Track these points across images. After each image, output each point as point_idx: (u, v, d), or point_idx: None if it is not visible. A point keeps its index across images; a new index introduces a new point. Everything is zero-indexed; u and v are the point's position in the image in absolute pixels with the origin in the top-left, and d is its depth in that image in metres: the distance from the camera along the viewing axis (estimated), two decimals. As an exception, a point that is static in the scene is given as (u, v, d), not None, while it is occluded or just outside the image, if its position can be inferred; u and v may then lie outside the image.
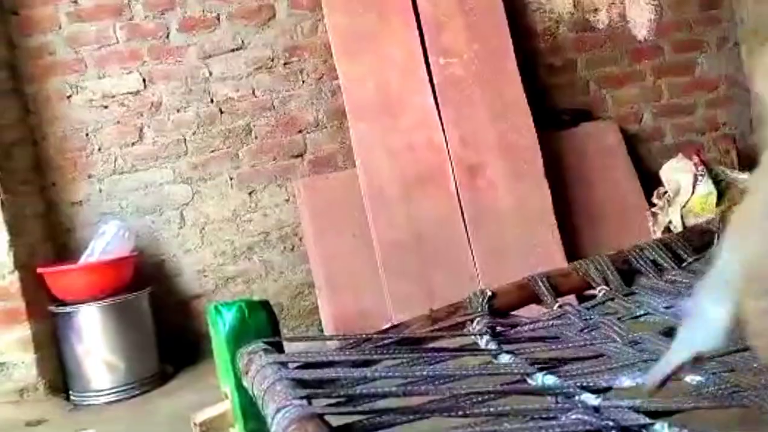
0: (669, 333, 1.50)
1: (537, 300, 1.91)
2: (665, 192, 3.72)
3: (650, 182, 3.77)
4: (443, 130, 3.46)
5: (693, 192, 3.63)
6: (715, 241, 2.04)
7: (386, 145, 3.41)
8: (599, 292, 1.92)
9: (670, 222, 3.61)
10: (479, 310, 1.79)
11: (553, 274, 1.99)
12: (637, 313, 1.74)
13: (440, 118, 3.47)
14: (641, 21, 4.02)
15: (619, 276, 1.94)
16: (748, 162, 3.81)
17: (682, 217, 3.60)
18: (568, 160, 3.74)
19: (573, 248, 3.51)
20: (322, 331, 3.35)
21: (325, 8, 3.53)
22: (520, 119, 3.54)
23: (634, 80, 3.98)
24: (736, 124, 4.01)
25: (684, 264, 1.98)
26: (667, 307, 1.74)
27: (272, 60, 3.64)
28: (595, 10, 3.97)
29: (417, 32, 3.52)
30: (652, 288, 1.89)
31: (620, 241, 3.02)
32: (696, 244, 2.03)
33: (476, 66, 3.58)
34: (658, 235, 3.58)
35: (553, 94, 3.90)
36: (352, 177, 3.43)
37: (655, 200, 3.72)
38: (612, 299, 1.85)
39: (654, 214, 3.68)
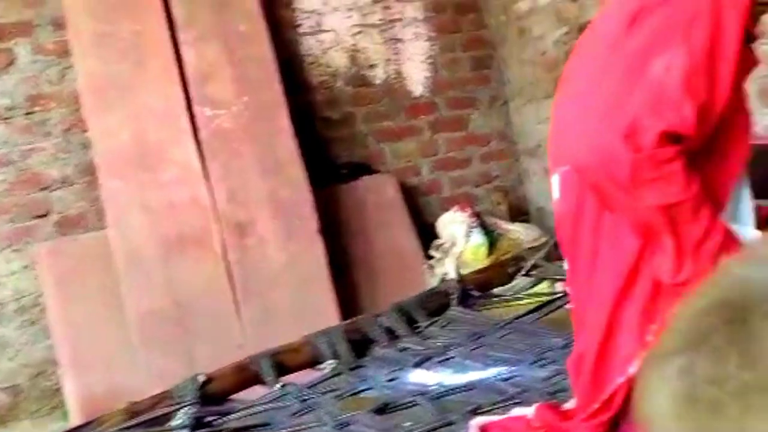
0: (382, 410, 1.37)
1: (260, 380, 1.74)
2: (441, 244, 3.74)
3: (429, 235, 3.77)
4: (208, 185, 3.26)
5: (466, 243, 3.67)
6: (452, 303, 1.98)
7: (143, 203, 3.14)
8: (326, 367, 1.78)
9: (445, 273, 3.61)
10: (189, 398, 1.59)
11: (282, 350, 1.83)
12: (359, 389, 1.62)
13: (205, 173, 3.27)
14: (417, 78, 4.08)
15: (350, 347, 1.82)
16: (517, 213, 3.93)
17: (457, 267, 3.62)
18: (346, 214, 3.66)
19: (351, 305, 3.41)
20: (66, 414, 2.97)
21: (75, 54, 3.24)
22: (293, 174, 3.42)
23: (411, 134, 4.01)
24: (507, 177, 4.15)
25: (419, 329, 1.90)
26: (390, 380, 1.63)
27: (11, 110, 3.27)
28: (372, 65, 3.98)
29: (179, 81, 3.32)
30: (382, 358, 1.78)
31: (399, 294, 2.95)
32: (432, 307, 1.96)
33: (246, 118, 3.42)
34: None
35: (332, 148, 3.83)
36: (104, 239, 3.12)
37: (432, 252, 3.72)
38: (339, 374, 1.72)
39: (431, 267, 3.67)
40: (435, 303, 1.97)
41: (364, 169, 3.81)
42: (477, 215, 3.74)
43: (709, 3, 1.16)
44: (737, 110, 1.22)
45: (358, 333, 1.85)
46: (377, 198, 3.73)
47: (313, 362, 1.83)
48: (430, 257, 3.70)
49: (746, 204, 1.27)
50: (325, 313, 3.26)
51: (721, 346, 0.71)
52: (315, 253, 3.33)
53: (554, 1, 3.88)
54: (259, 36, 3.53)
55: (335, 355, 1.78)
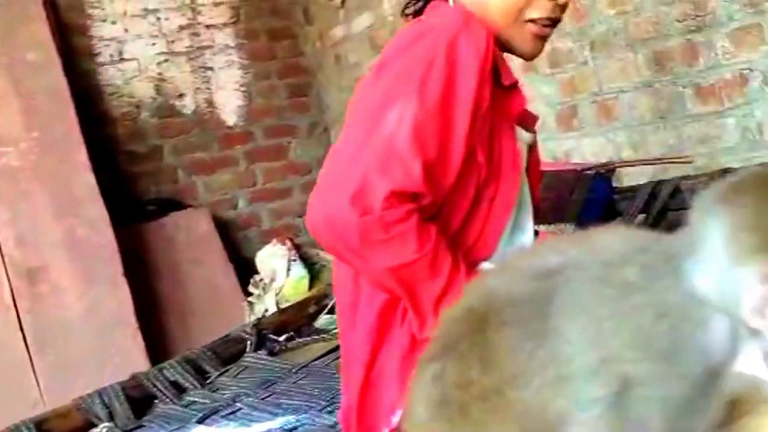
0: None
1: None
2: (261, 279, 3.61)
3: (248, 270, 3.63)
4: (-8, 230, 2.94)
5: (287, 277, 3.56)
6: (248, 348, 1.85)
7: None
8: (101, 430, 1.60)
9: (266, 310, 3.47)
10: None
11: (48, 416, 1.62)
12: (133, 454, 1.46)
13: (-12, 217, 2.95)
14: (230, 107, 3.94)
15: (129, 406, 1.64)
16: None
17: (277, 303, 3.49)
18: (155, 253, 3.44)
19: (162, 350, 3.18)
20: None
21: None
22: (92, 213, 3.16)
23: (226, 166, 3.86)
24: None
25: (209, 380, 1.75)
26: (170, 440, 1.48)
27: None
28: (180, 95, 3.80)
29: (-47, 117, 2.99)
30: (165, 415, 1.63)
31: (216, 335, 2.79)
32: (225, 355, 1.83)
33: (36, 155, 3.14)
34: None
35: (137, 184, 3.61)
36: None
37: (251, 289, 3.58)
38: (113, 438, 1.54)
39: (251, 304, 3.52)
40: (228, 351, 1.83)
41: (174, 204, 3.61)
42: (297, 247, 3.64)
43: (445, 51, 1.11)
44: (499, 156, 1.18)
45: (139, 390, 1.69)
46: (189, 234, 3.54)
47: (86, 426, 1.63)
48: (249, 294, 3.55)
49: (526, 237, 1.26)
50: (133, 362, 3.01)
51: (465, 352, 0.77)
52: (119, 298, 3.09)
53: (368, 29, 3.90)
54: (50, 65, 3.27)
55: (110, 417, 1.60)
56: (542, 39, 1.26)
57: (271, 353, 1.80)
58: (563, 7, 1.24)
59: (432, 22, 1.20)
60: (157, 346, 3.15)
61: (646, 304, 0.70)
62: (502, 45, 1.24)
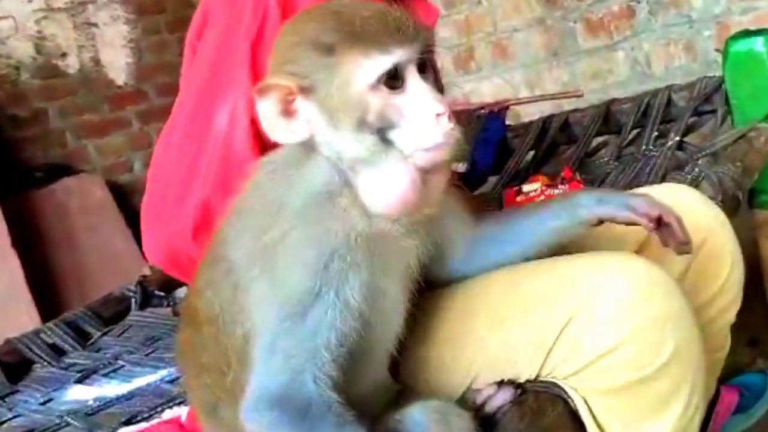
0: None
1: None
2: (163, 244, 3.48)
3: (148, 235, 3.48)
4: None
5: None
6: (132, 306, 1.76)
7: None
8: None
9: (151, 267, 3.36)
10: None
11: None
12: (5, 418, 1.36)
13: None
14: (118, 65, 3.74)
15: (3, 372, 1.53)
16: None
17: (181, 267, 3.38)
18: (46, 222, 3.26)
19: (61, 323, 3.04)
20: None
21: None
22: (-28, 183, 2.97)
23: (118, 128, 3.68)
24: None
25: (91, 341, 1.66)
26: (43, 402, 1.39)
27: None
28: (63, 54, 3.57)
29: None
30: (41, 379, 1.53)
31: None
32: (108, 314, 1.73)
33: None
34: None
35: (22, 150, 3.39)
36: None
37: (153, 254, 3.44)
38: (-11, 407, 1.44)
39: (152, 267, 3.39)
40: (112, 310, 1.74)
41: (64, 169, 3.42)
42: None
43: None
44: None
45: (13, 355, 1.58)
46: (82, 200, 3.37)
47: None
48: (150, 258, 3.41)
49: None
50: (28, 336, 2.88)
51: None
52: (9, 270, 2.93)
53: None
54: None
55: (-2, 382, 1.50)
56: None
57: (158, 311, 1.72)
58: None
59: None
60: (54, 318, 3.00)
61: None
62: None
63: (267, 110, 0.75)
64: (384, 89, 0.73)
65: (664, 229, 0.85)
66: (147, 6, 3.84)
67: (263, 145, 0.85)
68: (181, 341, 0.90)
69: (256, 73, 0.87)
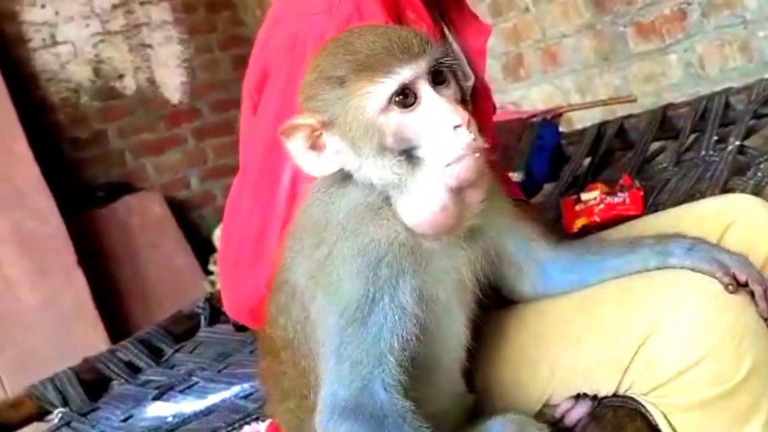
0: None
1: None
2: (221, 257, 3.55)
3: (206, 249, 3.57)
4: (-68, 230, 2.85)
5: (247, 253, 3.51)
6: (202, 323, 1.82)
7: None
8: (55, 417, 1.56)
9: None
10: None
11: (0, 407, 1.58)
12: (89, 436, 1.43)
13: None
14: (173, 84, 3.85)
15: (83, 390, 1.60)
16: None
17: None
18: (109, 239, 3.37)
19: (125, 336, 3.13)
20: None
21: None
22: (39, 204, 3.08)
23: (174, 145, 3.78)
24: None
25: (164, 358, 1.72)
26: (125, 419, 1.44)
27: None
28: (120, 76, 3.69)
29: None
30: (120, 396, 1.60)
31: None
32: (178, 331, 1.79)
33: (-26, 150, 3.04)
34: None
35: (84, 170, 3.51)
36: None
37: (211, 267, 3.52)
38: (69, 423, 1.51)
39: (212, 282, 3.47)
40: (182, 327, 1.80)
41: (124, 188, 3.53)
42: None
43: None
44: None
45: (92, 373, 1.65)
46: (142, 217, 3.47)
47: (40, 414, 1.59)
48: (209, 272, 3.50)
49: None
50: (96, 351, 2.97)
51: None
52: (75, 287, 3.03)
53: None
54: (-20, 55, 3.15)
55: (64, 402, 1.56)
56: None
57: (237, 328, 1.76)
58: None
59: None
60: (120, 334, 3.09)
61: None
62: None
63: (296, 149, 0.78)
64: (396, 110, 0.74)
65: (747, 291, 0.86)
66: (199, 26, 3.94)
67: None
68: (262, 370, 0.93)
69: None
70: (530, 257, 0.90)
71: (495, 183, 0.89)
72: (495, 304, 0.93)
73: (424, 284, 0.80)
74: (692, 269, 0.87)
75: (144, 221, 3.47)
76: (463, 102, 0.78)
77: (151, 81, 3.76)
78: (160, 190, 3.63)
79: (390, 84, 0.73)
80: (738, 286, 0.85)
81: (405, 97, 0.74)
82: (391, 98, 0.73)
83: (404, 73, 0.73)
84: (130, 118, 3.66)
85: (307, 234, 0.82)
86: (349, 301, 0.77)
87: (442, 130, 0.73)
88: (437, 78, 0.75)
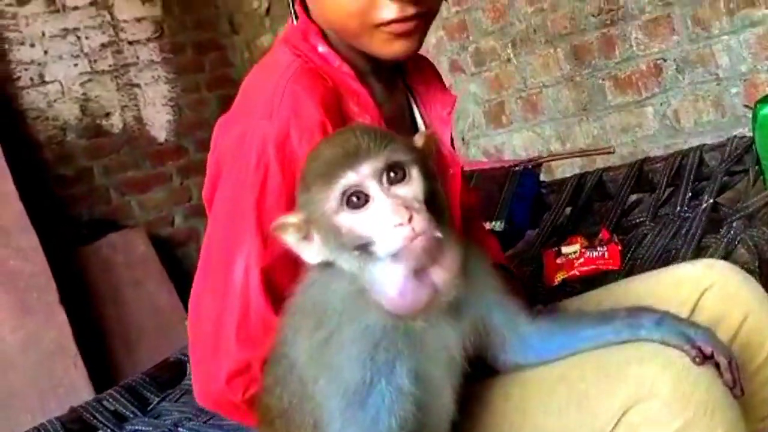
0: None
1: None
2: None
3: (189, 287, 3.57)
4: None
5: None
6: (187, 371, 1.84)
7: None
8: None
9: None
10: None
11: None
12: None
13: None
14: (160, 122, 3.89)
15: (69, 442, 1.61)
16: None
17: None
18: (93, 277, 3.37)
19: (107, 376, 3.13)
20: None
21: None
22: (23, 242, 3.08)
23: (159, 183, 3.81)
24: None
25: (150, 407, 1.73)
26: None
27: None
28: (107, 114, 3.72)
29: None
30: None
31: (161, 355, 2.75)
32: (164, 379, 1.81)
33: (-41, 187, 3.04)
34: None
35: (69, 207, 3.52)
36: None
37: (194, 306, 3.53)
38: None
39: (195, 322, 3.48)
40: (168, 374, 1.81)
41: (109, 225, 3.54)
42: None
43: (276, 157, 0.93)
44: None
45: (79, 423, 1.66)
46: (126, 255, 3.48)
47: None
48: (193, 310, 3.50)
49: None
50: (77, 391, 2.96)
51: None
52: (57, 326, 3.02)
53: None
54: (-32, 93, 3.17)
55: (48, 456, 1.57)
56: (404, 36, 0.99)
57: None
58: (417, 3, 0.96)
59: (259, 87, 1.00)
60: (102, 373, 3.09)
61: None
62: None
63: (290, 241, 0.84)
64: (347, 210, 0.79)
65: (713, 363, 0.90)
66: (187, 66, 3.99)
67: (276, 294, 0.92)
68: None
69: (262, 226, 0.93)
70: (513, 329, 0.94)
71: (479, 257, 0.93)
72: (479, 373, 0.97)
73: (419, 364, 0.84)
74: (662, 342, 0.92)
75: (128, 259, 3.47)
76: (431, 184, 0.82)
77: (138, 119, 3.79)
78: (144, 227, 3.64)
79: (336, 188, 0.79)
80: (705, 358, 0.90)
81: (356, 198, 0.79)
82: (340, 201, 0.79)
83: (349, 178, 0.78)
84: (116, 156, 3.69)
85: (306, 315, 0.86)
86: (348, 385, 0.81)
87: (385, 227, 0.78)
88: (391, 175, 0.79)
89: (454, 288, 0.83)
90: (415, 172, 0.81)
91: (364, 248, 0.80)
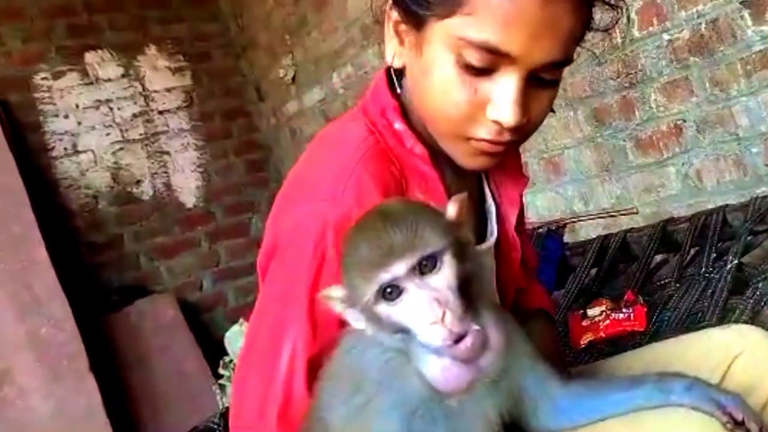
0: None
1: None
2: (231, 360, 3.58)
3: (217, 351, 3.60)
4: (-50, 338, 2.90)
5: (257, 356, 3.53)
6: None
7: None
8: None
9: (238, 392, 3.43)
10: None
11: None
12: None
13: (-54, 325, 2.91)
14: (188, 188, 3.98)
15: None
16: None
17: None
18: (122, 344, 3.41)
19: (135, 443, 3.14)
20: None
21: None
22: (56, 311, 3.14)
23: (188, 248, 3.87)
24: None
25: (179, 476, 1.73)
26: None
27: None
28: (138, 181, 3.82)
29: None
30: None
31: (189, 422, 2.75)
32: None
33: (-5, 258, 3.12)
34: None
35: (100, 274, 3.59)
36: None
37: (221, 370, 3.54)
38: None
39: (221, 386, 3.48)
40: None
41: (138, 291, 3.60)
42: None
43: (333, 243, 0.92)
44: None
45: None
46: (155, 321, 3.52)
47: None
48: (219, 376, 3.51)
49: None
50: (105, 457, 2.98)
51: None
52: (87, 394, 3.05)
53: (319, 103, 3.99)
54: (4, 165, 3.28)
55: None
56: (490, 155, 0.97)
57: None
58: (515, 131, 0.94)
59: (327, 163, 0.99)
60: (131, 439, 3.10)
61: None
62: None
63: (332, 307, 0.85)
64: (383, 302, 0.80)
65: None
66: (215, 133, 4.10)
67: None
68: None
69: (314, 314, 0.92)
70: (546, 393, 0.95)
71: (515, 326, 0.95)
72: None
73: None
74: (692, 408, 0.91)
75: (156, 325, 3.51)
76: (459, 288, 0.81)
77: (168, 186, 3.88)
78: (173, 292, 3.69)
79: (372, 286, 0.80)
80: (736, 424, 0.89)
81: (390, 292, 0.80)
82: (377, 296, 0.80)
83: (383, 278, 0.80)
84: (146, 222, 3.77)
85: (344, 381, 0.87)
86: None
87: (421, 325, 0.79)
88: (425, 267, 0.80)
89: (498, 367, 0.85)
90: (447, 260, 0.82)
91: (403, 331, 0.81)
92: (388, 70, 1.05)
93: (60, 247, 3.32)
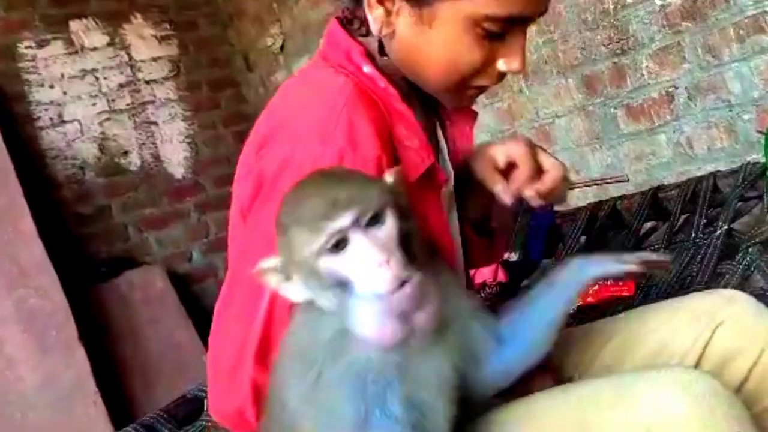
0: None
1: None
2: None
3: (208, 323, 3.58)
4: (-63, 309, 2.88)
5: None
6: (205, 407, 1.83)
7: None
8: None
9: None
10: None
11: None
12: None
13: (-68, 296, 2.89)
14: (177, 159, 3.94)
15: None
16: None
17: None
18: (111, 315, 3.39)
19: (127, 412, 3.13)
20: None
21: None
22: (44, 282, 3.11)
23: (177, 219, 3.84)
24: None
25: (167, 445, 1.73)
26: None
27: None
28: (125, 152, 3.78)
29: None
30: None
31: (179, 392, 2.75)
32: (182, 415, 1.81)
33: (-20, 228, 3.09)
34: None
35: (88, 245, 3.56)
36: None
37: (212, 342, 3.54)
38: None
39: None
40: (185, 411, 1.81)
41: (127, 262, 3.57)
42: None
43: None
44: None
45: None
46: (144, 292, 3.50)
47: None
48: (210, 346, 3.51)
49: None
50: (95, 428, 2.97)
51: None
52: (76, 365, 3.04)
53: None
54: (-11, 135, 3.24)
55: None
56: (477, 95, 1.07)
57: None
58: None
59: (309, 106, 0.97)
60: (121, 411, 3.09)
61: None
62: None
63: (272, 284, 0.86)
64: (327, 255, 0.81)
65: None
66: (203, 103, 4.05)
67: None
68: None
69: None
70: (489, 335, 0.95)
71: (452, 276, 0.95)
72: (481, 409, 0.96)
73: (410, 390, 0.85)
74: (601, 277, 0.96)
75: (146, 296, 3.50)
76: (405, 223, 0.83)
77: (156, 157, 3.84)
78: (162, 264, 3.67)
79: (319, 239, 0.80)
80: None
81: (335, 245, 0.81)
82: (320, 248, 0.81)
83: (330, 228, 0.80)
84: (134, 194, 3.74)
85: (296, 357, 0.87)
86: (343, 422, 0.82)
87: (365, 269, 0.80)
88: (369, 221, 0.81)
89: (434, 321, 0.85)
90: (389, 215, 0.83)
91: (343, 287, 0.82)
92: (340, 21, 1.06)
93: (47, 219, 3.29)
